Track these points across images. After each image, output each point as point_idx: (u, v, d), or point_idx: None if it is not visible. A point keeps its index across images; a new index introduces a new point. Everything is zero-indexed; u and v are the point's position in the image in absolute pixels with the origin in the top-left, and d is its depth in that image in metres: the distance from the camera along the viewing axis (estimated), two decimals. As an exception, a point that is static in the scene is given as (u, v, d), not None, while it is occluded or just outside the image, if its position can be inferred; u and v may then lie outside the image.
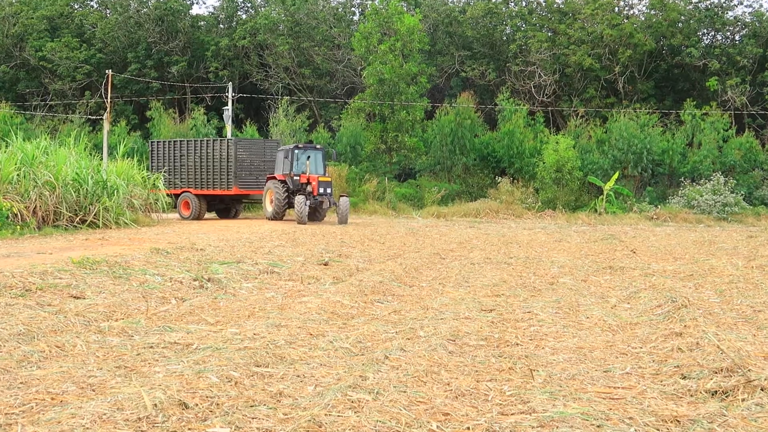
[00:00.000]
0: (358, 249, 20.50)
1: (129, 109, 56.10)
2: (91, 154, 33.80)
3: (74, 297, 11.04)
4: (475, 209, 40.53)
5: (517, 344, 8.60)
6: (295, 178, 31.52)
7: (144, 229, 25.59)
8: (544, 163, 43.11)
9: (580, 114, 49.44)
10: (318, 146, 33.38)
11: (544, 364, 7.64)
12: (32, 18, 58.47)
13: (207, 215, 36.28)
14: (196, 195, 34.04)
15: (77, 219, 24.79)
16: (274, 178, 32.09)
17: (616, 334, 9.40)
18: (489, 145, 48.21)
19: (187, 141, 36.26)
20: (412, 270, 15.80)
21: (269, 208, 32.05)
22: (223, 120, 47.27)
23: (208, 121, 50.38)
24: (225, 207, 36.60)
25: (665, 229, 32.64)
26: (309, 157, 32.14)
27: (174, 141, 36.80)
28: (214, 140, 35.50)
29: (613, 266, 16.71)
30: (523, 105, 49.76)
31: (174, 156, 35.44)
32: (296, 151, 32.04)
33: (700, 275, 15.08)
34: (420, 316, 10.21)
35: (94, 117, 49.96)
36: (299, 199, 30.18)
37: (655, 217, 38.47)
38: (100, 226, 25.08)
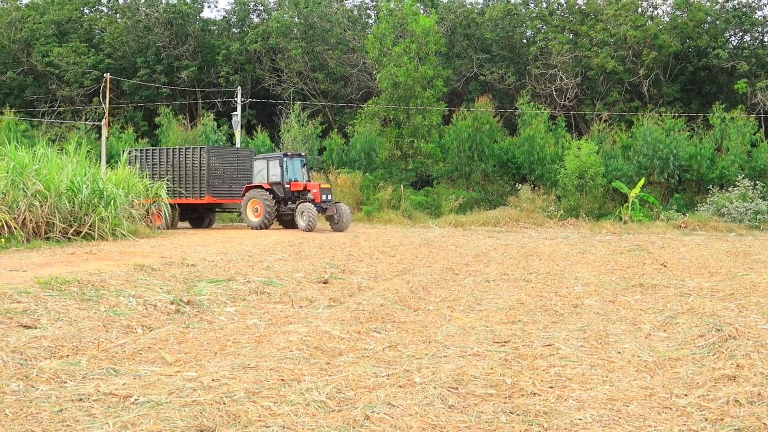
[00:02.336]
0: (365, 263, 18.98)
1: (138, 116, 54.80)
2: (95, 162, 32.70)
3: (24, 326, 9.59)
4: (494, 218, 39.00)
5: (534, 393, 6.99)
6: (286, 186, 30.90)
7: (141, 241, 24.11)
8: (565, 169, 41.46)
9: (603, 118, 47.74)
10: (302, 153, 33.11)
11: (568, 427, 6.04)
12: (39, 23, 57.33)
13: (222, 225, 34.97)
14: (170, 204, 32.58)
15: (72, 230, 23.41)
16: (258, 187, 31.12)
17: (654, 376, 7.79)
18: (509, 151, 46.60)
19: (159, 149, 35.30)
20: (420, 289, 14.22)
21: (253, 218, 30.96)
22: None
23: (219, 127, 49.04)
24: (198, 216, 35.35)
25: (694, 238, 30.89)
26: (305, 164, 32.04)
27: (148, 149, 35.80)
28: (186, 148, 34.51)
29: (644, 283, 15.07)
30: (544, 109, 48.09)
31: (149, 164, 34.07)
32: (286, 159, 31.42)
33: (742, 294, 13.45)
34: (419, 353, 8.61)
35: (99, 124, 48.64)
36: (308, 207, 29.45)
37: (683, 225, 36.73)
38: (96, 238, 23.67)
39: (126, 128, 50.18)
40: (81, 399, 6.57)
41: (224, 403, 6.33)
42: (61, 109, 54.56)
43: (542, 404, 6.63)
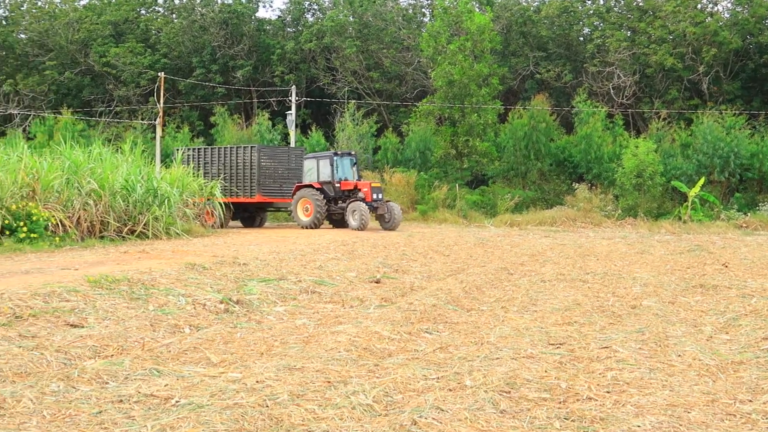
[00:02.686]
0: (418, 263, 18.73)
1: (194, 115, 55.09)
2: (151, 161, 32.88)
3: (71, 325, 9.47)
4: (550, 217, 38.55)
5: (590, 398, 6.68)
6: (336, 185, 30.94)
7: (195, 240, 24.08)
8: (623, 168, 40.79)
9: (661, 116, 46.93)
10: (352, 152, 33.12)
11: (626, 435, 5.74)
12: (97, 23, 57.88)
13: (269, 224, 34.92)
14: (222, 203, 32.58)
15: (126, 229, 23.49)
16: (308, 186, 31.15)
17: (716, 381, 7.43)
18: (565, 150, 46.13)
19: (212, 148, 35.58)
20: (474, 289, 13.93)
21: (304, 217, 30.98)
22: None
23: (273, 126, 49.08)
24: (249, 215, 35.41)
25: (756, 238, 30.10)
26: (355, 162, 32.10)
27: (201, 148, 36.03)
28: (238, 147, 34.70)
29: (704, 284, 14.60)
30: (601, 107, 47.51)
31: (201, 163, 34.26)
32: (336, 158, 31.46)
33: (808, 296, 12.95)
34: (471, 355, 8.33)
35: (155, 123, 48.97)
36: (360, 206, 29.52)
37: (744, 225, 35.92)
38: (150, 236, 23.72)
39: (182, 128, 50.42)
40: (121, 400, 6.40)
41: (267, 406, 6.12)
42: (118, 108, 55.05)
43: (598, 410, 6.33)
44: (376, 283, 14.67)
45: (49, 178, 21.89)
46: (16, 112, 52.32)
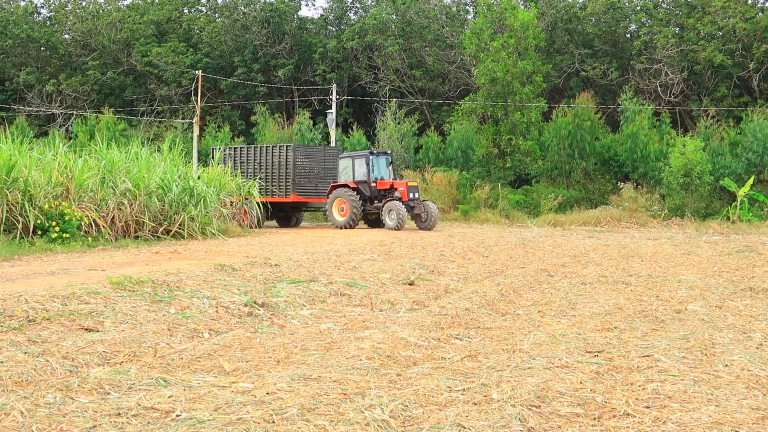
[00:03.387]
0: (456, 264, 18.20)
1: (236, 115, 54.99)
2: (189, 161, 32.63)
3: (85, 329, 9.08)
4: (595, 217, 37.84)
5: (628, 414, 6.12)
6: (372, 184, 30.62)
7: (231, 240, 23.72)
8: (670, 167, 39.96)
9: (710, 114, 45.94)
10: (388, 151, 32.71)
11: (666, 459, 5.18)
12: (139, 23, 58.00)
13: (304, 224, 34.62)
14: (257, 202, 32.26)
15: (161, 229, 23.19)
16: (344, 186, 30.76)
17: (767, 395, 6.83)
18: (611, 149, 45.38)
19: (249, 148, 35.33)
20: (511, 292, 13.39)
21: (339, 217, 30.59)
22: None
23: (314, 125, 48.77)
24: (285, 215, 35.06)
25: (809, 239, 29.18)
26: (392, 162, 31.71)
27: (239, 147, 35.77)
28: (274, 147, 34.38)
29: (754, 287, 13.92)
30: (648, 105, 46.61)
31: (238, 162, 34.08)
32: (372, 158, 31.14)
33: None
34: (501, 363, 7.79)
35: (192, 122, 48.95)
36: (398, 205, 29.15)
37: (795, 225, 34.96)
38: (185, 237, 23.43)
39: (222, 127, 50.29)
40: (119, 413, 5.95)
41: (273, 422, 5.65)
42: (159, 108, 55.06)
43: (636, 427, 5.78)
44: (410, 285, 14.18)
45: (82, 178, 21.65)
46: (58, 111, 52.54)
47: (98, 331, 9.07)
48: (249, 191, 30.16)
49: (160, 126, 51.18)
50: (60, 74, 57.33)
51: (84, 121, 48.25)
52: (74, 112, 51.38)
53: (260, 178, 32.89)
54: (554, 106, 47.62)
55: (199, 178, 27.36)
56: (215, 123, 51.63)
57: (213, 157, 32.52)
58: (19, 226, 19.24)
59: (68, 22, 60.22)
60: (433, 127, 48.64)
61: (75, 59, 58.64)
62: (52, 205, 19.88)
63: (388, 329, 9.44)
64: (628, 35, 54.76)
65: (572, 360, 7.97)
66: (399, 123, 45.76)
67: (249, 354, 8.27)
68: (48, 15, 63.65)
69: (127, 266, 14.74)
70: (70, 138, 45.26)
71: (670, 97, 49.21)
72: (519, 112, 44.24)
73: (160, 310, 10.39)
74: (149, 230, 22.87)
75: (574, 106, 45.36)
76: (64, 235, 19.40)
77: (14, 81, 58.07)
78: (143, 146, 26.75)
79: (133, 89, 57.43)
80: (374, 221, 31.19)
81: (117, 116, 49.45)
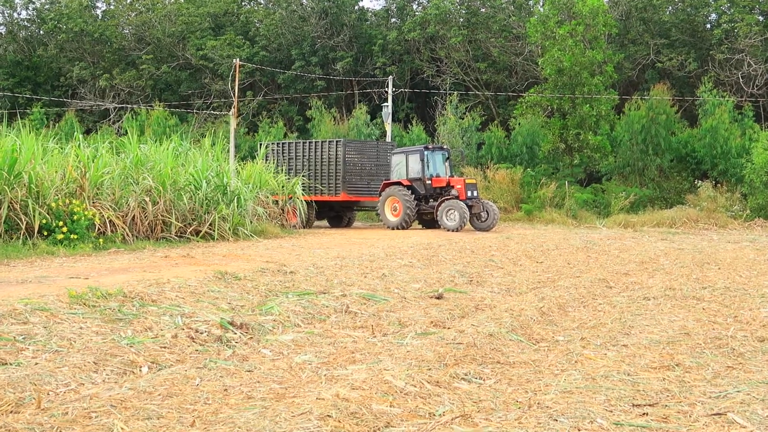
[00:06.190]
0: (503, 271, 16.06)
1: (293, 110, 53.45)
2: (243, 159, 31.06)
3: (-7, 361, 7.12)
4: (669, 218, 35.65)
5: None
6: (427, 182, 28.81)
7: (265, 242, 21.80)
8: (753, 163, 37.60)
9: (797, 107, 43.40)
10: (444, 146, 30.88)
11: None
12: (195, 16, 56.87)
13: (357, 224, 32.77)
14: (306, 201, 30.25)
15: (190, 230, 21.40)
16: (397, 183, 28.97)
17: None
18: (688, 144, 43.09)
19: (296, 143, 33.58)
20: (555, 309, 11.12)
21: (392, 217, 28.83)
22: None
23: (373, 120, 46.99)
24: (336, 215, 33.37)
25: None
26: (448, 157, 30.04)
27: (285, 143, 34.01)
28: (323, 142, 32.65)
29: None
30: (729, 98, 44.25)
31: (285, 158, 32.45)
32: (427, 153, 29.24)
33: None
34: (505, 428, 5.53)
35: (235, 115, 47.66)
36: (459, 204, 27.33)
37: None
38: (216, 238, 21.58)
39: (276, 122, 48.81)
40: None
41: None
42: (215, 103, 53.78)
43: None
44: (437, 299, 12.02)
45: (97, 174, 19.91)
46: (111, 106, 51.53)
47: (7, 363, 7.10)
48: (293, 189, 28.34)
49: (215, 122, 49.80)
50: (114, 69, 56.62)
51: (135, 117, 47.09)
52: (129, 106, 50.34)
53: (309, 175, 31.08)
54: (626, 98, 45.57)
55: (238, 174, 25.67)
56: (269, 118, 50.12)
57: (258, 153, 30.87)
58: (23, 226, 17.52)
59: (125, 16, 59.36)
60: (497, 122, 46.63)
61: (128, 53, 57.84)
62: (61, 204, 18.16)
63: (376, 366, 7.28)
64: (708, 24, 52.64)
65: (610, 422, 5.68)
66: (461, 117, 43.81)
67: (168, 405, 6.11)
68: (104, 9, 62.93)
69: (119, 273, 12.97)
70: (121, 134, 44.11)
71: (752, 89, 47.09)
72: (588, 105, 41.83)
73: (112, 333, 8.49)
74: (176, 231, 21.10)
75: (649, 98, 43.15)
76: (72, 236, 17.63)
77: (68, 76, 57.48)
78: (192, 142, 25.33)
79: (188, 84, 56.38)
80: (429, 222, 29.35)
81: (168, 111, 48.21)
